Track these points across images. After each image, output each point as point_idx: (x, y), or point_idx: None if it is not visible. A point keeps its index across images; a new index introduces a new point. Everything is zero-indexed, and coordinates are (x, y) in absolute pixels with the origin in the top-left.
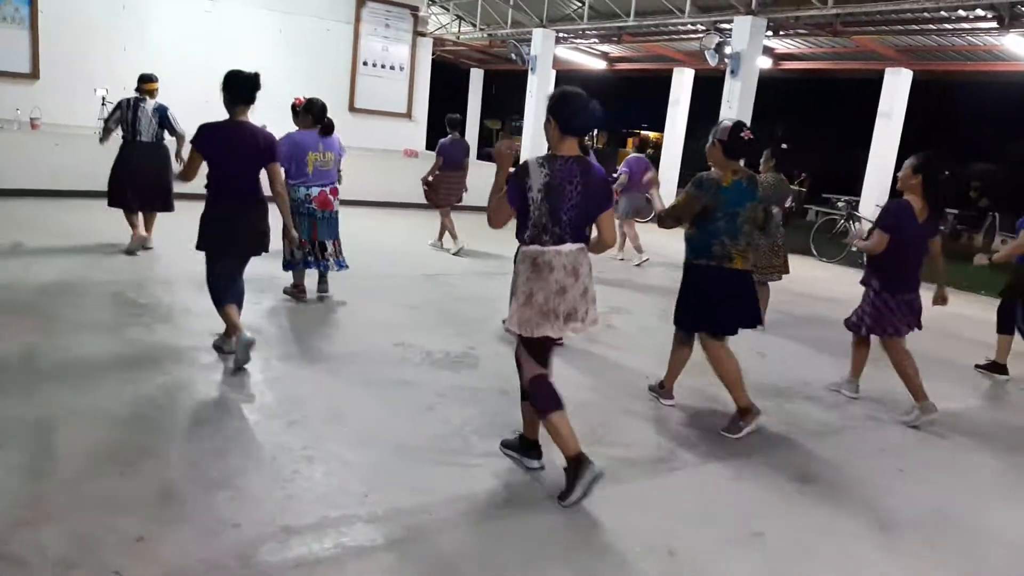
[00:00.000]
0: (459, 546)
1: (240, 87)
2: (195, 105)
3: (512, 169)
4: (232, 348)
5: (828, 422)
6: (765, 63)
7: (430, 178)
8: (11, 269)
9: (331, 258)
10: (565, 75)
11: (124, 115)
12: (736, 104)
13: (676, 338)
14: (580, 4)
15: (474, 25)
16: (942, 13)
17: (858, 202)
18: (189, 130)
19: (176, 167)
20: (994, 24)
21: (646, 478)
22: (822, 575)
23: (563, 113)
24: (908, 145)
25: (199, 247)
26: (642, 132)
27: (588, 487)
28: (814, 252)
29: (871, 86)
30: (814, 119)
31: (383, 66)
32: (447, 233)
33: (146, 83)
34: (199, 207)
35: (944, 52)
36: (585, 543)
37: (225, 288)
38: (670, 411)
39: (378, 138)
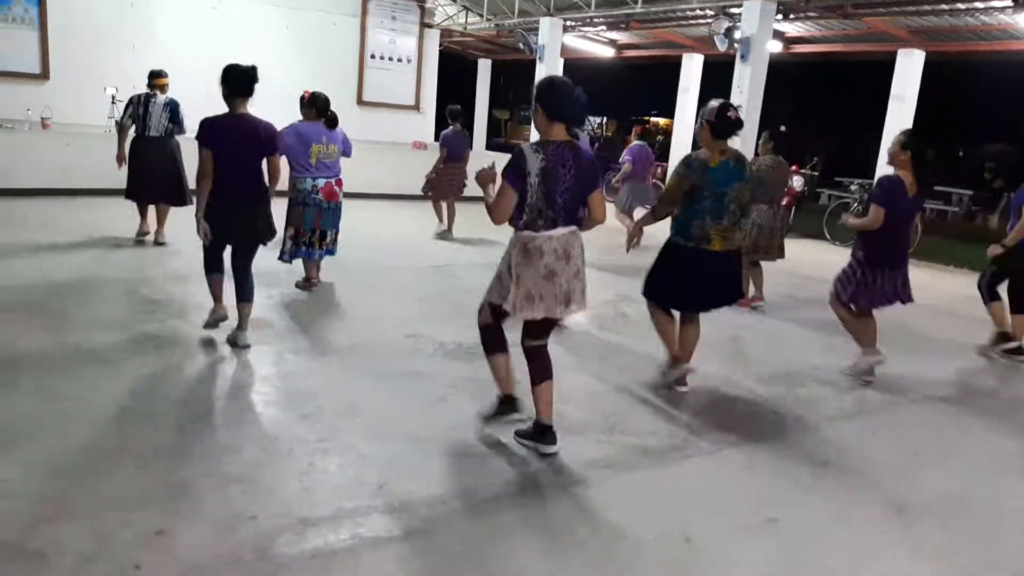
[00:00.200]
0: (475, 536)
1: (238, 80)
2: (203, 101)
3: (490, 167)
4: (247, 342)
5: (841, 406)
6: (775, 47)
7: (434, 173)
8: (24, 268)
9: (326, 248)
10: (573, 63)
11: (135, 110)
12: (746, 89)
13: (649, 306)
14: None
15: (481, 15)
16: None
17: (871, 185)
18: (194, 126)
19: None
20: (1008, 2)
21: (660, 466)
22: (837, 561)
23: (550, 100)
24: (921, 127)
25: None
26: (651, 119)
27: (501, 419)
28: (827, 236)
29: (883, 68)
30: (826, 103)
31: (390, 59)
32: (448, 219)
33: (156, 78)
34: None
35: (957, 32)
36: (600, 531)
37: (217, 260)
38: (683, 399)
39: (386, 131)
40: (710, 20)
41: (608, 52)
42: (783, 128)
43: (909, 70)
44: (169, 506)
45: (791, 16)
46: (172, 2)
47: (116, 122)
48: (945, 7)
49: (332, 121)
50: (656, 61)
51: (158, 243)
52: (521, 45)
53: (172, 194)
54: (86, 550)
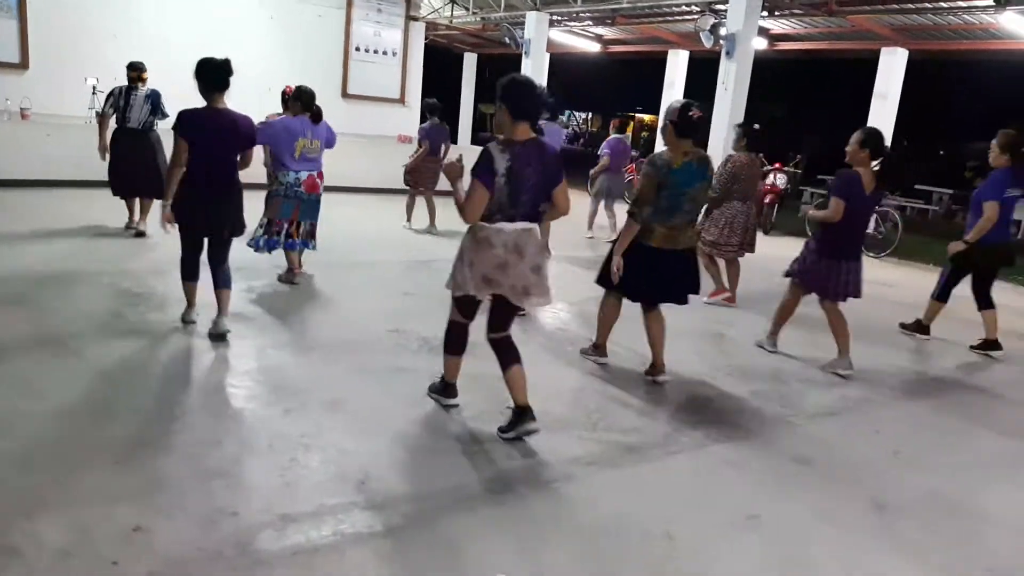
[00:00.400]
0: (457, 532)
1: (212, 74)
2: (186, 92)
3: (458, 160)
4: (226, 327)
5: (825, 404)
6: (760, 44)
7: (413, 164)
8: (3, 259)
9: (304, 238)
10: (559, 58)
11: (116, 102)
12: (732, 86)
13: (604, 295)
14: None
15: (467, 9)
16: None
17: None
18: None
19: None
20: (990, 2)
21: (643, 463)
22: (819, 558)
23: (514, 99)
24: (904, 125)
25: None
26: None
27: (441, 401)
28: (809, 233)
29: (867, 66)
30: (810, 100)
31: (375, 51)
32: (430, 214)
33: (135, 71)
34: None
35: (940, 31)
36: (583, 528)
37: (193, 267)
38: (666, 396)
39: (371, 124)
40: (696, 16)
41: (594, 47)
42: (756, 126)
43: (892, 68)
44: (148, 501)
45: (776, 13)
46: None
47: (96, 113)
48: (928, 6)
49: (316, 115)
50: (642, 57)
51: (138, 233)
52: (507, 39)
53: (151, 188)
54: (64, 546)
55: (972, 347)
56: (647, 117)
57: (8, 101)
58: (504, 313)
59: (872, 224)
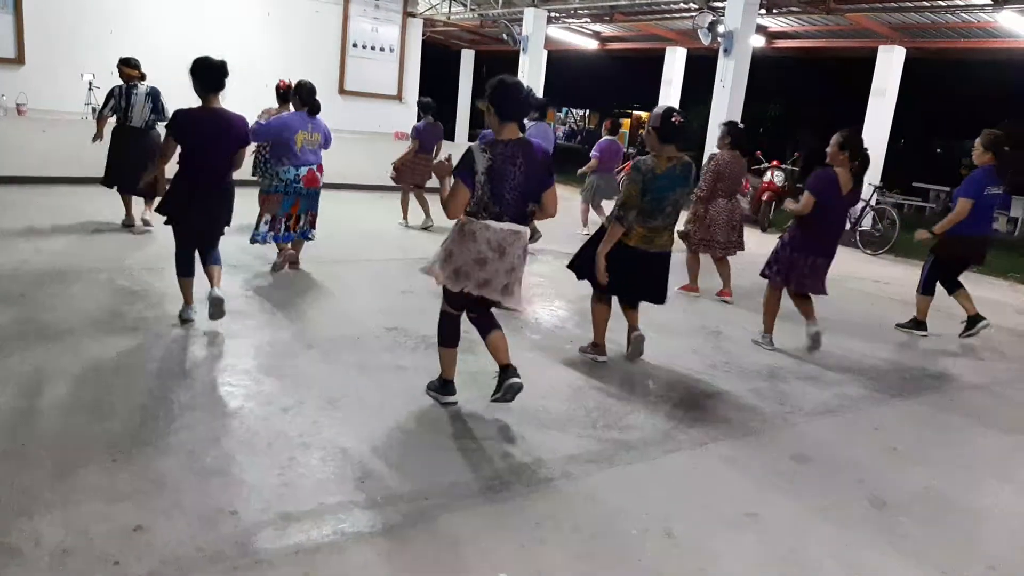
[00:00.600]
0: (457, 530)
1: (208, 75)
2: (182, 87)
3: (447, 159)
4: (219, 294)
5: (823, 401)
6: (758, 42)
7: (400, 162)
8: (1, 256)
9: (302, 229)
10: (557, 55)
11: (117, 103)
12: (729, 84)
13: (592, 299)
14: None
15: (465, 5)
16: None
17: None
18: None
19: None
20: (988, 1)
21: (641, 460)
22: (818, 555)
23: (501, 101)
24: (902, 123)
25: (167, 222)
26: (633, 113)
27: (438, 399)
28: None
29: (864, 64)
30: (807, 98)
31: (373, 48)
32: (423, 209)
33: (126, 68)
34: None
35: (938, 29)
36: (582, 526)
37: (188, 264)
38: (664, 394)
39: (368, 121)
40: (694, 14)
41: (592, 44)
42: (740, 124)
43: (890, 66)
44: (148, 500)
45: (774, 11)
46: None
47: (95, 110)
48: (926, 4)
49: (314, 109)
50: (640, 54)
51: (144, 225)
52: (505, 36)
53: (144, 191)
54: (64, 545)
55: (962, 334)
56: (644, 114)
57: (4, 97)
58: (478, 299)
59: (870, 222)
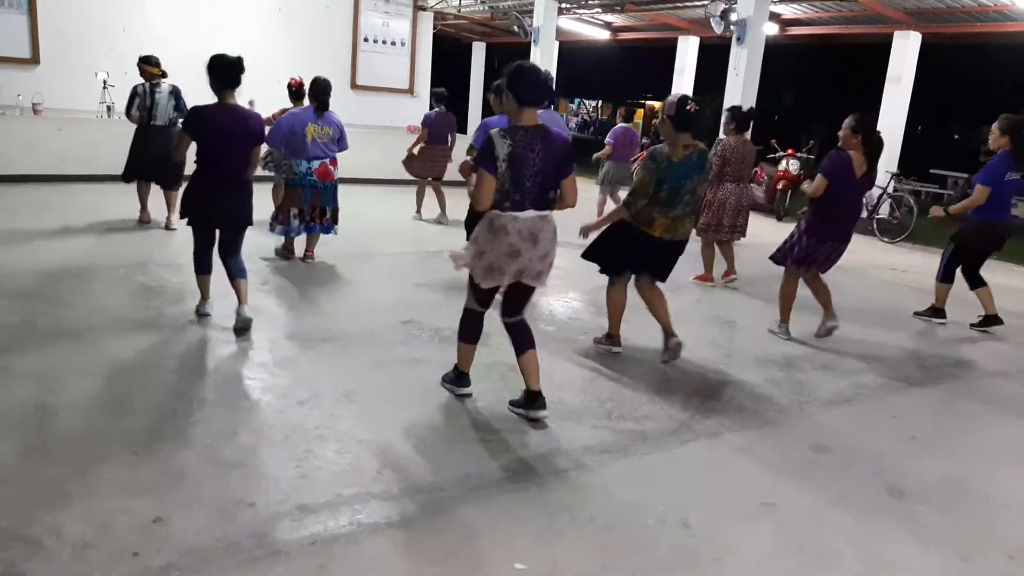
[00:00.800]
0: (473, 521)
1: (224, 72)
2: (194, 85)
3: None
4: (247, 315)
5: (840, 390)
6: (772, 30)
7: (414, 151)
8: (20, 254)
9: (327, 222)
10: (569, 46)
11: (143, 102)
12: (743, 72)
13: (608, 288)
14: None
15: None
16: None
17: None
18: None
19: None
20: None
21: (657, 451)
22: (836, 545)
23: (520, 86)
24: (918, 110)
25: (182, 215)
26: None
27: (454, 391)
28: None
29: (879, 50)
30: (822, 85)
31: (384, 42)
32: (439, 203)
33: (148, 66)
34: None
35: (954, 14)
36: (597, 517)
37: (206, 260)
38: (679, 383)
39: (380, 115)
40: (706, 2)
41: (603, 35)
42: (743, 107)
43: (905, 52)
44: (167, 493)
45: None
46: None
47: (109, 109)
48: None
49: (321, 106)
50: (652, 44)
51: (168, 228)
52: (516, 28)
53: (167, 177)
54: (84, 537)
55: (973, 325)
56: (657, 104)
57: (20, 96)
58: (518, 298)
59: (887, 209)
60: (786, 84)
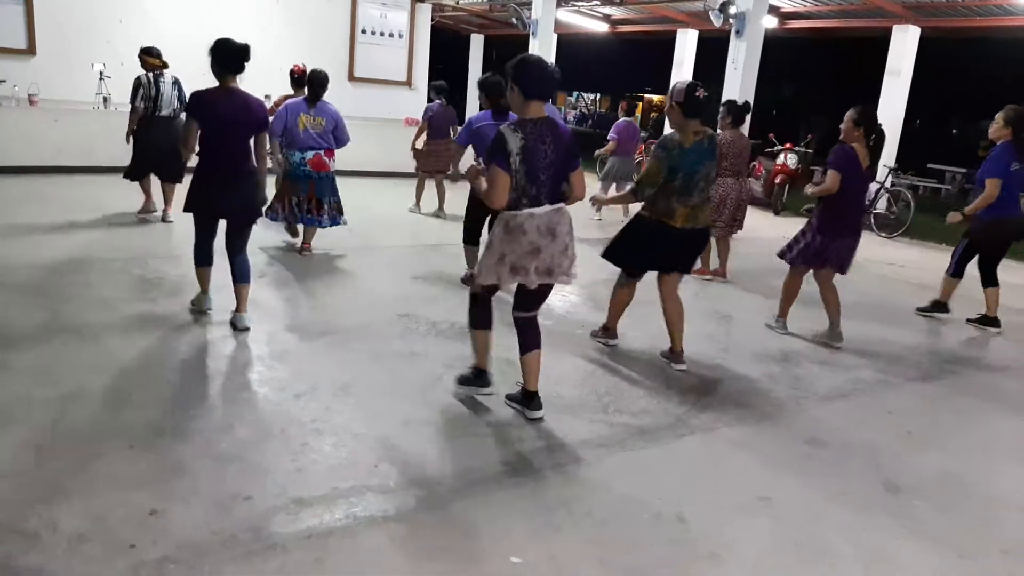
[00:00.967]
0: (470, 515)
1: (229, 57)
2: (193, 76)
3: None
4: (246, 323)
5: (837, 385)
6: (771, 23)
7: (418, 146)
8: (17, 246)
9: (325, 215)
10: (567, 39)
11: (148, 92)
12: (741, 66)
13: (617, 284)
14: None
15: None
16: None
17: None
18: None
19: None
20: None
21: (654, 445)
22: (832, 539)
23: (525, 79)
24: (916, 103)
25: (187, 209)
26: (645, 96)
27: (473, 392)
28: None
29: (878, 45)
30: (821, 79)
31: (382, 34)
32: (439, 198)
33: (151, 57)
34: None
35: (953, 8)
36: (594, 511)
37: (207, 252)
38: (676, 378)
39: (378, 107)
40: None
41: (602, 27)
42: (739, 103)
43: (904, 46)
44: (164, 486)
45: None
46: None
47: (106, 100)
48: None
49: (312, 98)
50: (650, 37)
51: (165, 221)
52: (514, 20)
53: (170, 171)
54: (80, 530)
55: (970, 320)
56: (656, 98)
57: (16, 87)
58: (536, 293)
59: (884, 204)
60: (785, 78)
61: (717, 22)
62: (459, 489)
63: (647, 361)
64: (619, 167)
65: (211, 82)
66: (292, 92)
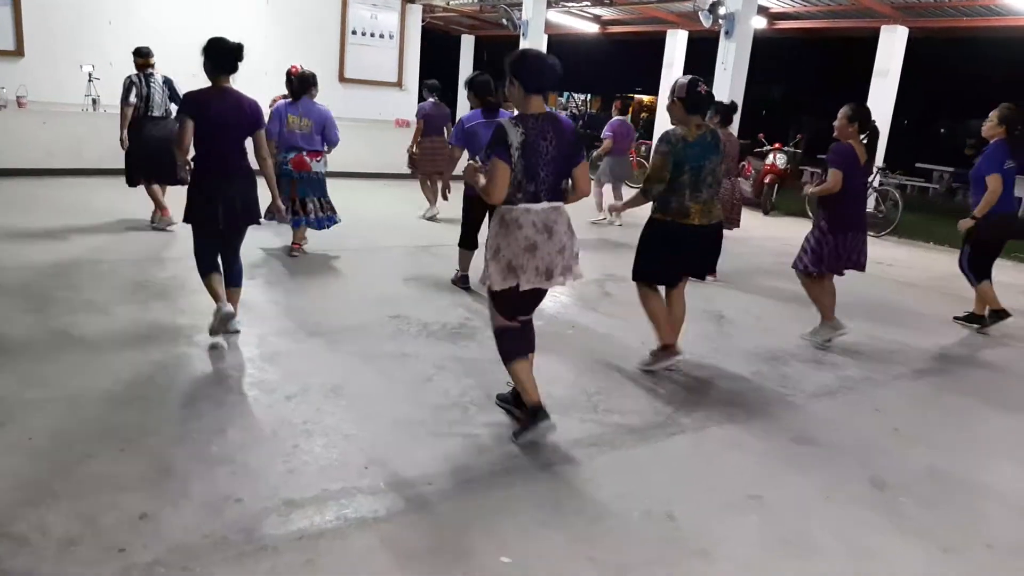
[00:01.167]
0: (460, 515)
1: (223, 57)
2: (183, 77)
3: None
4: (237, 327)
5: (824, 383)
6: (760, 23)
7: (415, 148)
8: (7, 250)
9: (312, 215)
10: (557, 39)
11: (139, 91)
12: (731, 66)
13: (640, 290)
14: None
15: None
16: None
17: None
18: None
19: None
20: None
21: (644, 444)
22: (821, 536)
23: (525, 73)
24: (904, 104)
25: (186, 220)
26: (635, 96)
27: (540, 435)
28: (810, 214)
29: (867, 45)
30: (810, 79)
31: (372, 34)
32: (438, 201)
33: (145, 57)
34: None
35: (940, 8)
36: (584, 509)
37: (211, 258)
38: (667, 377)
39: (369, 108)
40: None
41: (592, 28)
42: (727, 102)
43: (892, 46)
44: (154, 489)
45: None
46: None
47: (95, 102)
48: None
49: (294, 96)
50: (640, 37)
51: (152, 222)
52: (505, 21)
53: (166, 174)
54: (70, 533)
55: (956, 318)
56: (646, 98)
57: (3, 89)
58: (529, 297)
59: (872, 203)
60: (774, 78)
61: (706, 23)
62: (449, 489)
63: (638, 360)
64: (614, 167)
65: (202, 82)
66: (287, 93)
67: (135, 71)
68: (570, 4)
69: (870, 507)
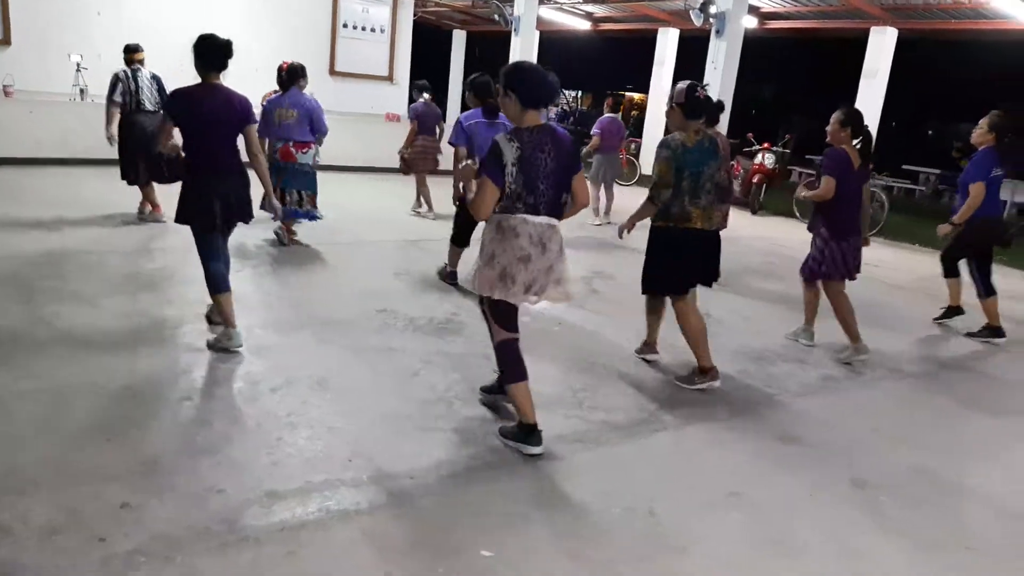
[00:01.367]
0: (442, 509)
1: (212, 54)
2: (171, 71)
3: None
4: (239, 341)
5: (808, 383)
6: (750, 23)
7: (407, 153)
8: None
9: (292, 205)
10: (549, 36)
11: (127, 87)
12: (721, 65)
13: (647, 302)
14: None
15: None
16: None
17: None
18: None
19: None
20: None
21: (627, 440)
22: (802, 534)
23: (522, 87)
24: (893, 105)
25: (178, 220)
26: (626, 94)
27: (523, 451)
28: (797, 214)
29: (857, 46)
30: (799, 79)
31: (363, 28)
32: (417, 196)
33: (135, 53)
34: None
35: (930, 10)
36: (567, 505)
37: (219, 268)
38: (651, 374)
39: (359, 102)
40: None
41: (584, 25)
42: (715, 101)
43: (881, 48)
44: (138, 480)
45: None
46: None
47: (82, 91)
48: None
49: (283, 87)
50: (632, 35)
51: (140, 215)
52: (496, 17)
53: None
54: (52, 522)
55: (936, 319)
56: (637, 96)
57: None
58: (512, 307)
59: None
60: (764, 78)
61: (697, 21)
62: (432, 483)
63: (623, 358)
64: (606, 167)
65: (189, 75)
66: (278, 88)
67: (124, 66)
68: (562, 1)
69: (852, 506)
